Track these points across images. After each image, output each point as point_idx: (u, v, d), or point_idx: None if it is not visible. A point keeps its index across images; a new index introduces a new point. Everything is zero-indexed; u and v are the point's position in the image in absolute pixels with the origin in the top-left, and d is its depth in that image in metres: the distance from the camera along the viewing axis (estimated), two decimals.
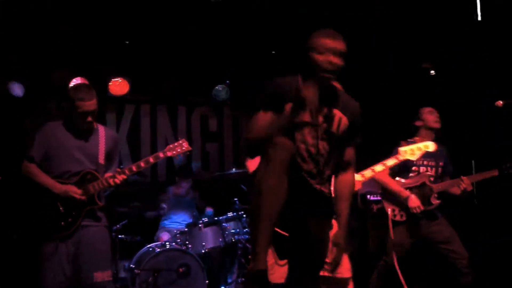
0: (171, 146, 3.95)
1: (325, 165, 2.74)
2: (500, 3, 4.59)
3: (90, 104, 3.67)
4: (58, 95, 3.74)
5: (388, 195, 4.59)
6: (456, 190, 4.52)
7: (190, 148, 3.99)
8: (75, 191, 3.64)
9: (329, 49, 2.66)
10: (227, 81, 6.94)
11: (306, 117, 2.69)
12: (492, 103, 3.81)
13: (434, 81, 6.10)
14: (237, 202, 5.61)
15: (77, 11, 5.48)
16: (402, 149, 3.97)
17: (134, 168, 3.77)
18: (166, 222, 6.22)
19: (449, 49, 5.67)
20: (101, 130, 3.86)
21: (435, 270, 5.26)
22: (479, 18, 4.56)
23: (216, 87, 6.95)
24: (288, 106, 2.60)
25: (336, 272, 3.41)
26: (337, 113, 2.77)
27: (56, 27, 5.74)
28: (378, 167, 3.93)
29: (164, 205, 6.28)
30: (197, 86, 7.11)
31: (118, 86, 6.51)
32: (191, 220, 6.02)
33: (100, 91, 6.63)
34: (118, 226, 5.49)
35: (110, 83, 6.50)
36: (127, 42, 6.25)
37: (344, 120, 2.77)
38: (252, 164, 3.66)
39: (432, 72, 6.06)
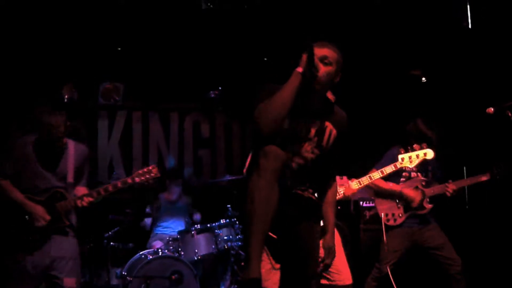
0: (140, 172, 3.98)
1: (312, 177, 2.78)
2: (490, 11, 4.64)
3: (54, 119, 3.72)
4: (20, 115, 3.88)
5: (381, 199, 4.62)
6: (452, 192, 4.56)
7: (159, 175, 4.02)
8: (43, 217, 3.69)
9: (318, 58, 2.68)
10: (220, 88, 6.94)
11: (298, 130, 2.73)
12: (483, 110, 3.84)
13: (425, 88, 6.13)
14: (230, 209, 5.60)
15: (69, 17, 5.47)
16: (401, 156, 4.00)
17: (102, 192, 3.81)
18: (158, 228, 6.20)
19: (440, 57, 5.71)
20: (71, 146, 3.89)
21: (428, 276, 5.28)
22: (470, 26, 4.61)
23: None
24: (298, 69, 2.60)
25: (337, 279, 3.43)
26: (328, 125, 2.81)
27: (48, 33, 5.73)
28: (376, 174, 4.00)
29: (147, 210, 6.25)
30: (189, 92, 7.11)
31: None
32: (183, 227, 6.01)
33: (92, 98, 6.73)
34: (110, 233, 5.47)
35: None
36: (119, 49, 6.24)
37: (334, 133, 2.82)
38: None
39: (423, 79, 6.09)
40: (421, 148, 4.02)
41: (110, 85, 6.63)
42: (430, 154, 4.03)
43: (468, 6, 4.65)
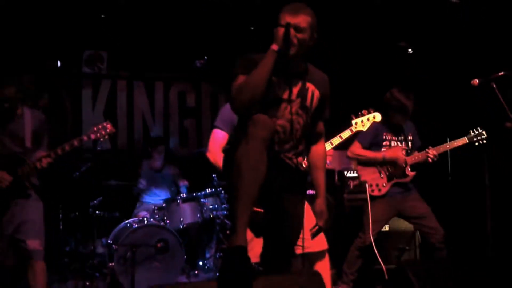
0: (94, 128, 4.06)
1: (299, 139, 2.80)
2: None
3: (7, 92, 3.78)
4: None
5: (364, 170, 4.67)
6: (432, 157, 4.64)
7: (114, 130, 4.13)
8: (5, 178, 3.76)
9: (292, 25, 2.65)
10: (205, 57, 6.88)
11: (280, 92, 2.73)
12: (469, 82, 3.86)
13: (411, 59, 6.14)
14: (215, 178, 5.61)
15: None
16: (354, 121, 4.18)
17: (59, 151, 3.87)
18: (144, 197, 6.21)
19: (427, 28, 5.70)
20: (27, 113, 3.94)
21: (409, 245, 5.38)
22: None
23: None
24: (273, 46, 2.60)
25: (311, 246, 3.48)
26: (310, 86, 2.81)
27: (30, 1, 5.61)
28: (335, 140, 4.14)
29: (142, 181, 6.24)
30: (175, 61, 7.04)
31: None
32: (169, 196, 6.02)
33: (75, 66, 6.63)
34: (95, 202, 5.47)
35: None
36: (103, 16, 6.13)
37: (317, 94, 2.83)
38: (214, 156, 3.71)
39: (410, 50, 6.10)
40: (369, 113, 4.19)
41: (94, 53, 6.53)
42: (378, 116, 4.19)
43: None
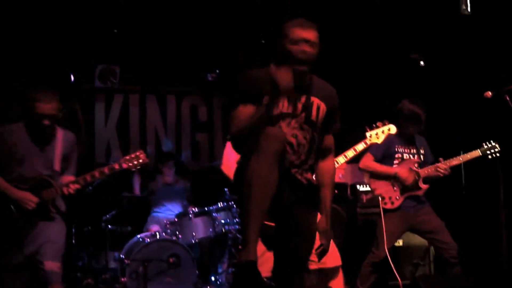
0: (127, 157, 3.91)
1: (307, 154, 2.77)
2: None
3: (46, 107, 3.62)
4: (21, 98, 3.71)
5: (377, 183, 4.63)
6: (445, 171, 4.59)
7: (147, 161, 3.96)
8: (31, 199, 3.63)
9: (302, 39, 2.66)
10: (217, 71, 6.91)
11: (284, 108, 2.71)
12: (481, 94, 3.83)
13: (424, 72, 6.12)
14: (227, 192, 5.61)
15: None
16: (368, 133, 4.11)
17: (88, 178, 3.74)
18: (156, 211, 6.21)
19: (439, 41, 5.68)
20: (60, 134, 3.82)
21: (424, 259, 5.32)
22: (468, 10, 4.58)
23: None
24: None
25: (325, 262, 3.44)
26: (315, 100, 2.78)
27: (44, 15, 5.67)
28: (349, 153, 4.08)
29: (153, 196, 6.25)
30: (187, 75, 7.08)
31: None
32: (181, 210, 6.02)
33: (88, 81, 6.69)
34: (107, 216, 5.48)
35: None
36: (116, 31, 6.19)
37: (323, 107, 2.80)
38: (228, 169, 3.70)
39: (422, 63, 6.07)
40: (384, 125, 4.11)
41: (106, 68, 6.58)
42: (393, 129, 4.13)
43: None
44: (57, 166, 3.76)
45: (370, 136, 4.10)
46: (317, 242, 2.89)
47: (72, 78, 6.48)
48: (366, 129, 4.13)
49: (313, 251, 2.87)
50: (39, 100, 3.60)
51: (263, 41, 6.46)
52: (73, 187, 3.69)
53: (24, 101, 3.74)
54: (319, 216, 2.91)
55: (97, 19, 5.92)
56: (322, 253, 2.89)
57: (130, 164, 3.88)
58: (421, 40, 5.94)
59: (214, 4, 5.66)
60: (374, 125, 4.14)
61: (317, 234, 2.89)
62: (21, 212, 3.64)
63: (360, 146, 4.10)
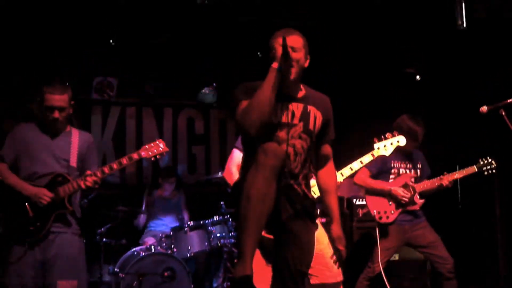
0: (146, 146, 3.74)
1: (303, 164, 2.78)
2: (484, 10, 4.66)
3: (59, 98, 3.55)
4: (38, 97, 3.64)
5: (372, 196, 4.63)
6: (441, 186, 4.59)
7: (167, 149, 3.78)
8: (46, 194, 3.51)
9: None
10: (214, 84, 6.92)
11: (282, 117, 2.73)
12: (477, 109, 3.85)
13: (420, 86, 6.15)
14: (223, 205, 5.59)
15: (63, 11, 5.43)
16: (376, 145, 4.05)
17: (106, 170, 3.59)
18: (152, 225, 6.19)
19: (435, 55, 5.72)
20: (75, 132, 3.74)
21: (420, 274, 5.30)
22: (464, 25, 4.62)
23: (203, 90, 6.92)
24: (275, 64, 2.64)
25: (327, 277, 3.43)
26: (312, 109, 2.81)
27: (41, 27, 5.68)
28: (355, 165, 4.02)
29: (142, 216, 6.22)
30: (183, 88, 7.08)
31: None
32: (176, 223, 5.99)
33: (85, 93, 6.69)
34: (102, 229, 5.44)
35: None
36: (113, 43, 6.20)
37: (319, 116, 2.83)
38: (229, 176, 3.68)
39: (418, 77, 6.10)
40: (393, 136, 4.05)
41: (103, 80, 6.58)
42: (402, 140, 4.05)
43: (463, 5, 4.66)
44: (73, 162, 3.65)
45: (378, 148, 4.03)
46: (324, 252, 2.88)
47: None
48: (374, 141, 4.07)
49: (326, 260, 2.86)
50: (50, 92, 3.55)
51: (259, 54, 6.48)
52: (90, 180, 3.53)
53: (38, 94, 3.65)
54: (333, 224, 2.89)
55: (94, 31, 5.92)
56: (340, 259, 2.88)
57: (150, 152, 3.71)
58: (417, 54, 5.97)
59: (211, 17, 5.68)
60: (382, 137, 4.06)
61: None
62: (36, 211, 3.52)
63: (367, 159, 4.01)
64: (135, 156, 3.69)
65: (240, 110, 2.66)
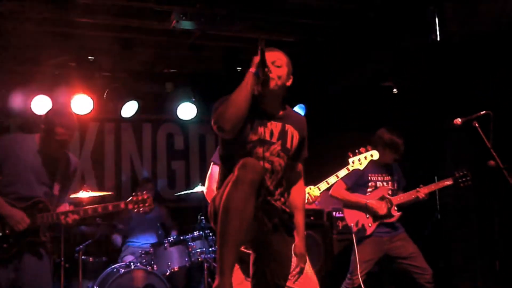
0: (134, 199, 3.88)
1: (280, 180, 2.83)
2: (459, 23, 4.75)
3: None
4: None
5: (349, 209, 4.66)
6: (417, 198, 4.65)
7: (152, 206, 3.93)
8: (23, 219, 3.47)
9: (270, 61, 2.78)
10: (193, 99, 6.92)
11: (261, 135, 2.77)
12: (451, 121, 3.92)
13: (396, 99, 6.22)
14: (203, 220, 5.57)
15: (40, 26, 5.40)
16: (351, 159, 4.13)
17: (89, 212, 3.67)
18: (131, 241, 6.12)
19: (410, 68, 5.80)
20: (66, 157, 3.74)
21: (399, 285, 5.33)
22: (438, 38, 4.71)
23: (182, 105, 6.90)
24: (252, 68, 2.71)
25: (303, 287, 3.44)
26: (289, 128, 2.88)
27: (21, 42, 5.63)
28: (331, 179, 4.13)
29: (118, 225, 6.17)
30: (162, 103, 7.07)
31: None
32: (156, 239, 5.94)
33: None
34: (81, 246, 5.38)
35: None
36: (91, 58, 6.17)
37: (296, 135, 2.89)
38: (211, 195, 3.69)
39: (395, 90, 6.18)
40: (367, 151, 4.13)
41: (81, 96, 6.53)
42: (375, 155, 4.14)
43: (437, 19, 4.76)
44: (56, 190, 3.65)
45: (353, 162, 4.11)
46: (293, 265, 2.93)
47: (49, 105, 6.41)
48: (349, 155, 4.15)
49: (290, 275, 2.89)
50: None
51: (238, 69, 6.52)
52: (72, 217, 3.58)
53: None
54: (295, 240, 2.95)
55: (74, 46, 5.89)
56: (299, 274, 2.96)
57: (136, 206, 3.85)
58: (393, 68, 6.05)
59: (188, 32, 5.70)
60: (357, 151, 4.14)
61: (294, 257, 2.93)
62: (11, 231, 3.48)
63: (343, 172, 4.12)
64: (121, 205, 3.83)
65: (216, 113, 2.71)
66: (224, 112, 2.65)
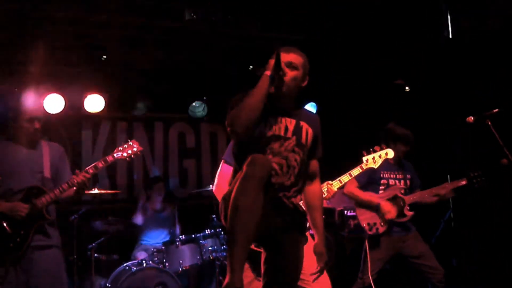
0: (120, 148, 3.83)
1: (296, 177, 2.80)
2: (470, 20, 4.72)
3: (37, 108, 3.61)
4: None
5: (361, 208, 4.64)
6: (432, 199, 4.59)
7: (141, 149, 3.88)
8: (22, 206, 3.49)
9: (284, 62, 2.78)
10: (204, 97, 6.94)
11: (276, 130, 2.77)
12: (464, 119, 3.89)
13: (408, 97, 6.19)
14: (215, 219, 5.58)
15: (52, 26, 5.43)
16: (365, 158, 4.09)
17: (90, 170, 3.65)
18: (143, 239, 6.15)
19: (423, 66, 5.77)
20: (45, 144, 3.76)
21: (409, 285, 5.30)
22: (450, 35, 4.68)
23: (193, 104, 6.93)
24: (267, 72, 2.72)
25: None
26: (304, 124, 2.87)
27: (31, 41, 5.67)
28: (345, 177, 4.07)
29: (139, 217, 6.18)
30: (174, 102, 7.10)
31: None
32: (168, 237, 5.97)
33: (75, 108, 6.68)
34: (93, 244, 5.41)
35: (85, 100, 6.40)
36: (104, 58, 6.20)
37: (310, 132, 2.89)
38: (219, 191, 3.69)
39: (407, 88, 6.15)
40: (382, 149, 4.08)
41: (94, 95, 6.57)
42: (390, 153, 4.09)
43: (449, 16, 4.72)
44: (47, 173, 3.66)
45: (367, 161, 4.07)
46: (314, 265, 2.91)
47: (63, 105, 6.45)
48: (363, 154, 4.11)
49: (305, 273, 2.88)
50: (27, 103, 3.56)
51: (250, 67, 6.51)
52: (80, 177, 3.58)
53: (9, 109, 3.65)
54: (309, 240, 2.93)
55: (86, 46, 5.92)
56: (320, 272, 2.92)
57: (124, 153, 3.80)
58: (405, 65, 6.02)
59: (201, 30, 5.70)
60: (371, 150, 4.10)
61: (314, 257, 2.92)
62: (14, 227, 3.48)
63: (356, 171, 4.06)
64: (109, 158, 3.77)
65: (229, 115, 2.70)
66: (237, 115, 2.64)
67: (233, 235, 2.47)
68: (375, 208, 4.55)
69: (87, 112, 6.54)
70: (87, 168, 3.69)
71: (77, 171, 3.67)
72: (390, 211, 4.51)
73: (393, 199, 4.58)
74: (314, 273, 2.91)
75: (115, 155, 3.79)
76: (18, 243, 3.48)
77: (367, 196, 4.60)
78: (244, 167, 2.52)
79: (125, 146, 3.84)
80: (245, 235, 2.46)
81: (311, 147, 2.89)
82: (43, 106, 3.68)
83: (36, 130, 3.63)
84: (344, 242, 5.77)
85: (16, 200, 3.54)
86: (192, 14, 4.94)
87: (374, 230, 4.55)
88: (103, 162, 3.73)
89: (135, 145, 3.84)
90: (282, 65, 2.74)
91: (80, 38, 5.65)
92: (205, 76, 6.65)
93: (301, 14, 5.26)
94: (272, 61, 2.73)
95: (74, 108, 6.71)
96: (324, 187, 3.92)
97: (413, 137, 4.63)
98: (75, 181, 3.60)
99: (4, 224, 3.49)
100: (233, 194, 2.51)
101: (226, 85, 6.59)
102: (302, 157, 2.82)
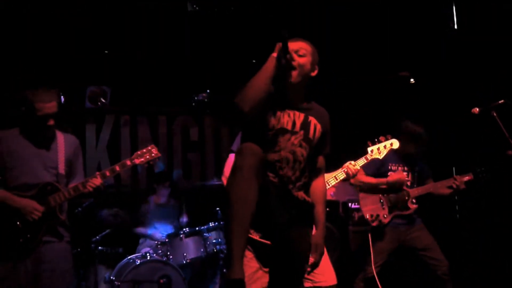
0: (139, 153, 3.74)
1: (302, 171, 2.78)
2: (476, 11, 4.69)
3: (51, 106, 3.48)
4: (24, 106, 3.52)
5: (366, 200, 4.62)
6: (445, 191, 4.56)
7: (159, 155, 3.79)
8: (36, 208, 3.43)
9: (292, 50, 2.75)
10: (208, 90, 6.92)
11: (284, 124, 2.74)
12: (469, 110, 3.86)
13: (414, 89, 6.16)
14: (219, 211, 5.58)
15: (55, 20, 5.44)
16: (370, 148, 4.05)
17: (107, 173, 3.58)
18: (148, 232, 6.15)
19: (428, 58, 5.73)
20: (60, 136, 3.65)
21: (415, 277, 5.29)
22: (455, 27, 4.64)
23: (196, 97, 6.91)
24: (275, 54, 2.68)
25: (321, 281, 3.42)
26: (312, 120, 2.84)
27: (35, 36, 5.68)
28: (349, 167, 3.99)
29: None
30: (177, 95, 7.09)
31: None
32: (172, 230, 5.97)
33: (79, 102, 6.69)
34: (98, 237, 5.41)
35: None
36: (107, 52, 6.20)
37: (319, 127, 2.85)
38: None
39: (412, 80, 6.11)
40: (387, 139, 4.05)
41: (97, 89, 6.58)
42: (395, 143, 4.06)
43: (454, 7, 4.69)
44: (61, 169, 3.58)
45: (372, 151, 4.04)
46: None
47: (63, 99, 6.46)
48: (368, 144, 4.08)
49: (320, 265, 2.89)
50: (41, 100, 3.45)
51: (253, 61, 6.49)
52: (92, 184, 3.51)
53: (23, 103, 3.53)
54: (314, 231, 2.91)
55: (88, 40, 5.92)
56: (313, 266, 2.89)
57: (143, 159, 3.71)
58: (410, 57, 5.99)
59: (203, 24, 5.70)
60: (376, 140, 4.07)
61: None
62: (26, 222, 3.43)
63: (361, 162, 4.03)
64: (128, 163, 3.68)
65: (237, 96, 2.67)
66: (243, 93, 2.62)
67: (229, 226, 2.45)
68: (386, 187, 4.49)
69: (91, 105, 6.54)
70: (103, 171, 3.63)
71: (97, 173, 3.61)
72: (402, 175, 4.50)
73: (398, 193, 4.55)
74: (309, 265, 2.88)
75: (133, 160, 3.72)
76: (28, 239, 3.45)
77: (376, 180, 4.57)
78: (234, 158, 2.51)
79: (144, 151, 3.77)
80: (241, 226, 2.43)
81: (318, 143, 2.85)
82: (55, 102, 3.54)
83: (50, 127, 3.55)
84: (348, 234, 5.75)
85: (29, 196, 3.48)
86: (194, 6, 4.92)
87: (376, 222, 4.53)
88: (120, 166, 3.67)
89: (153, 151, 3.77)
90: (290, 51, 2.70)
91: (82, 31, 5.65)
92: (209, 69, 6.63)
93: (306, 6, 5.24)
94: (279, 44, 2.69)
95: (77, 102, 6.73)
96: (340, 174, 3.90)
97: (426, 136, 4.58)
98: (93, 184, 3.54)
99: (17, 221, 3.44)
100: (227, 185, 2.50)
101: (230, 78, 6.58)
102: (309, 152, 2.80)
